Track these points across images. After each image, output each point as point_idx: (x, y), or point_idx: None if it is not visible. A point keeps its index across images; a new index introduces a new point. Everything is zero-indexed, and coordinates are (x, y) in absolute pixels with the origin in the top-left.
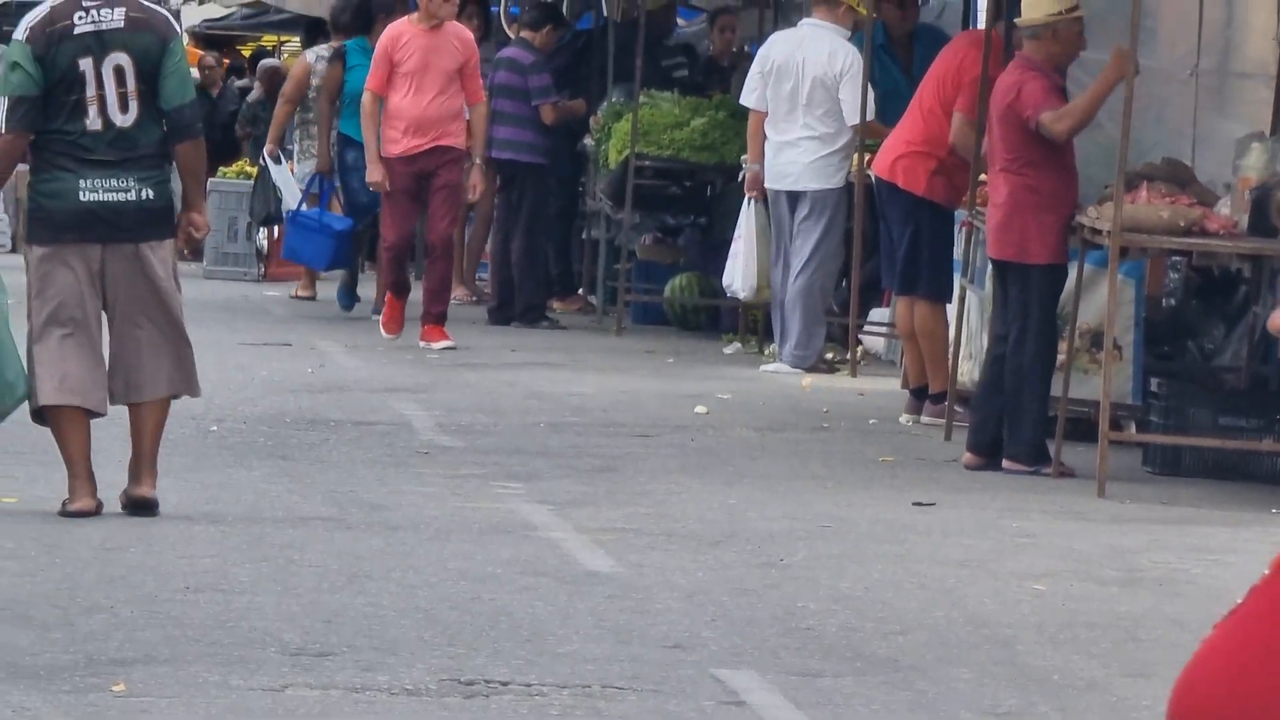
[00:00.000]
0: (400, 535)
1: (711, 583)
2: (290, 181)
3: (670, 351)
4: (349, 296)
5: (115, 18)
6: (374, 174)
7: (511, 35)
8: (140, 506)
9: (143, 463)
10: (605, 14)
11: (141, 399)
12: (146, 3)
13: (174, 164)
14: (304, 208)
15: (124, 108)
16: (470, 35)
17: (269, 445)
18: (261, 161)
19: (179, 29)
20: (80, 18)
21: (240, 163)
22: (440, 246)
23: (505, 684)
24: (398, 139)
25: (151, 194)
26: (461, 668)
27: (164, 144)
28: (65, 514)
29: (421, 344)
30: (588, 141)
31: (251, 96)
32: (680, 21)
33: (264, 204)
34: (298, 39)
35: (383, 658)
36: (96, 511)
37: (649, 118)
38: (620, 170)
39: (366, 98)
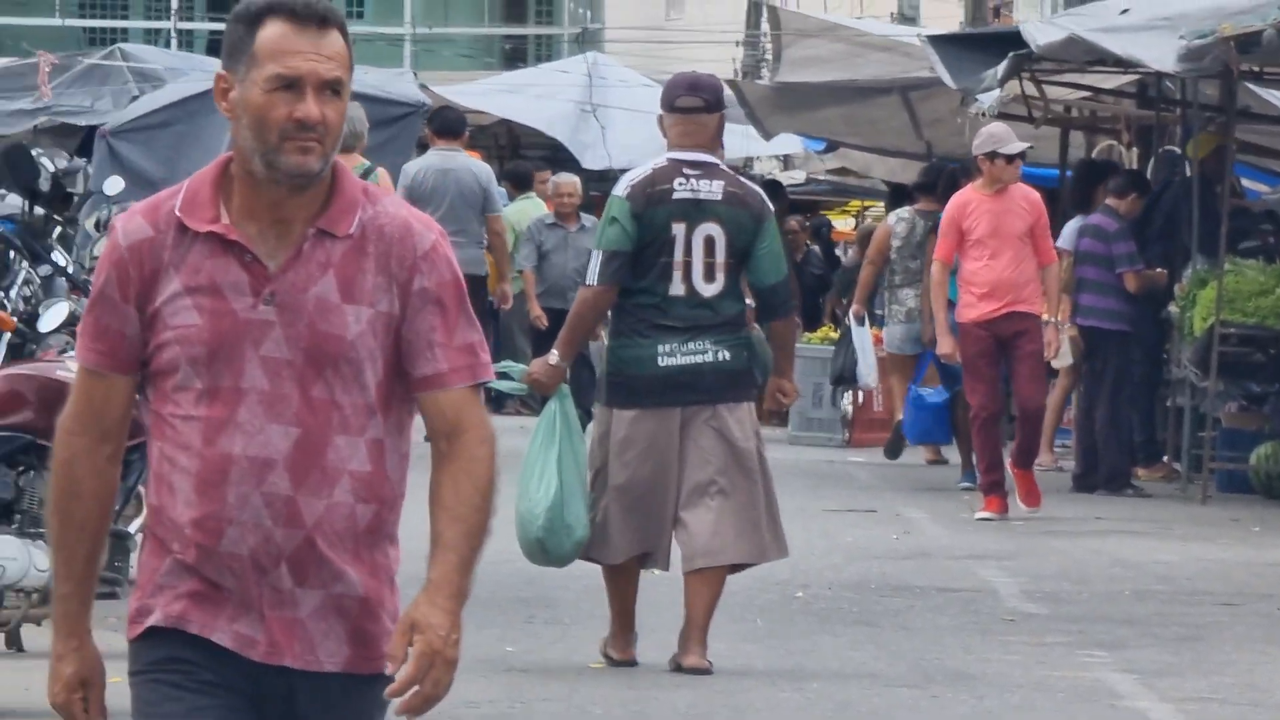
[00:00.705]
0: (985, 704)
1: None
2: (869, 350)
3: (1256, 520)
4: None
5: (714, 189)
6: (944, 346)
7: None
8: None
9: (694, 632)
10: (1189, 174)
11: (699, 567)
12: (745, 180)
13: (747, 330)
14: (920, 387)
15: (709, 277)
16: (1038, 197)
17: (854, 611)
18: (847, 322)
19: (772, 209)
20: (680, 183)
21: (825, 328)
22: (1032, 412)
23: None
24: (974, 303)
25: (728, 355)
26: None
27: (742, 315)
28: (606, 656)
29: (1020, 505)
30: (1172, 309)
31: (848, 261)
32: (1264, 188)
33: (841, 364)
34: (881, 204)
35: None
36: (631, 663)
37: (1234, 285)
38: (1205, 337)
39: (936, 268)
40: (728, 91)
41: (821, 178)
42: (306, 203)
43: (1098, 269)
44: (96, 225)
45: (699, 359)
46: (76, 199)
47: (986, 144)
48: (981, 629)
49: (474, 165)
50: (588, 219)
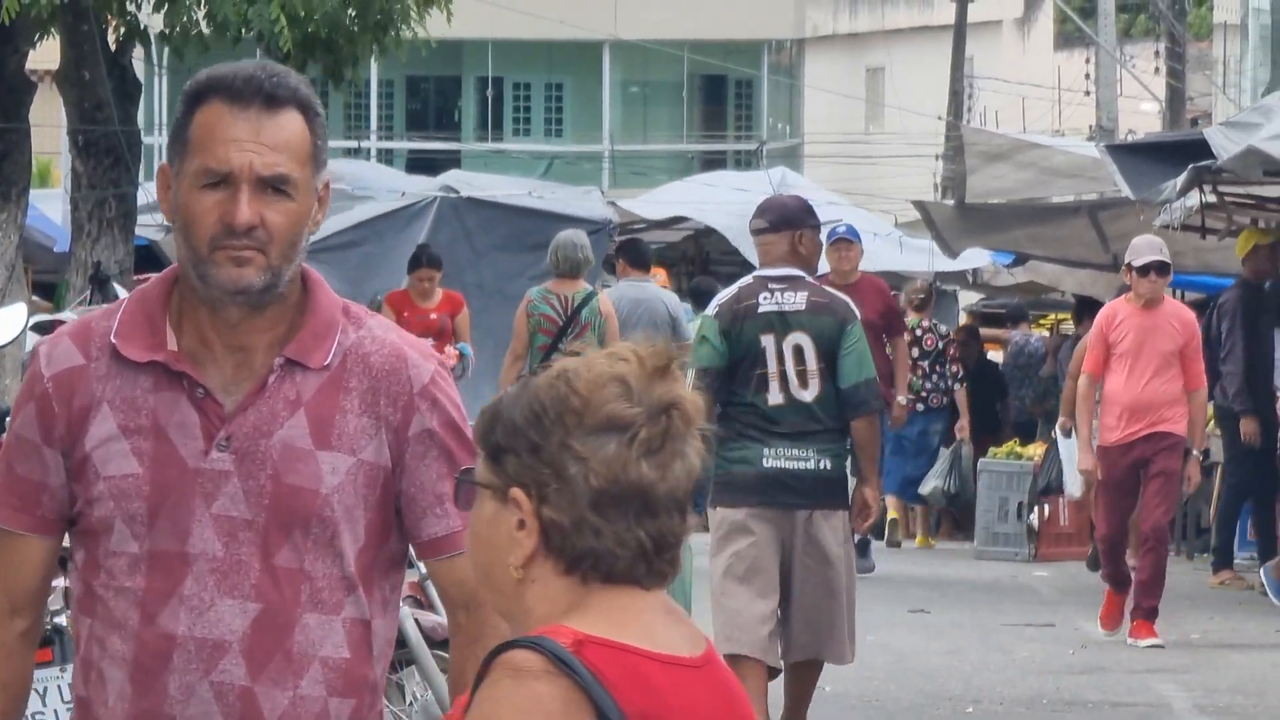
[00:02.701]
0: None
1: None
2: (1073, 462)
3: None
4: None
5: (798, 301)
6: (1084, 461)
7: None
8: None
9: (793, 715)
10: None
11: (794, 659)
12: (833, 291)
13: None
14: None
15: (804, 383)
16: (1191, 316)
17: None
18: (1054, 434)
19: (858, 314)
20: (765, 298)
21: (1010, 444)
22: (1155, 536)
23: None
24: (1113, 426)
25: (828, 465)
26: None
27: (839, 416)
28: None
29: (1129, 640)
30: None
31: (1043, 371)
32: None
33: (1045, 475)
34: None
35: None
36: None
37: None
38: None
39: (1082, 381)
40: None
41: (1004, 285)
42: (268, 325)
43: None
44: None
45: (801, 465)
46: None
47: (1127, 255)
48: None
49: (664, 295)
50: None
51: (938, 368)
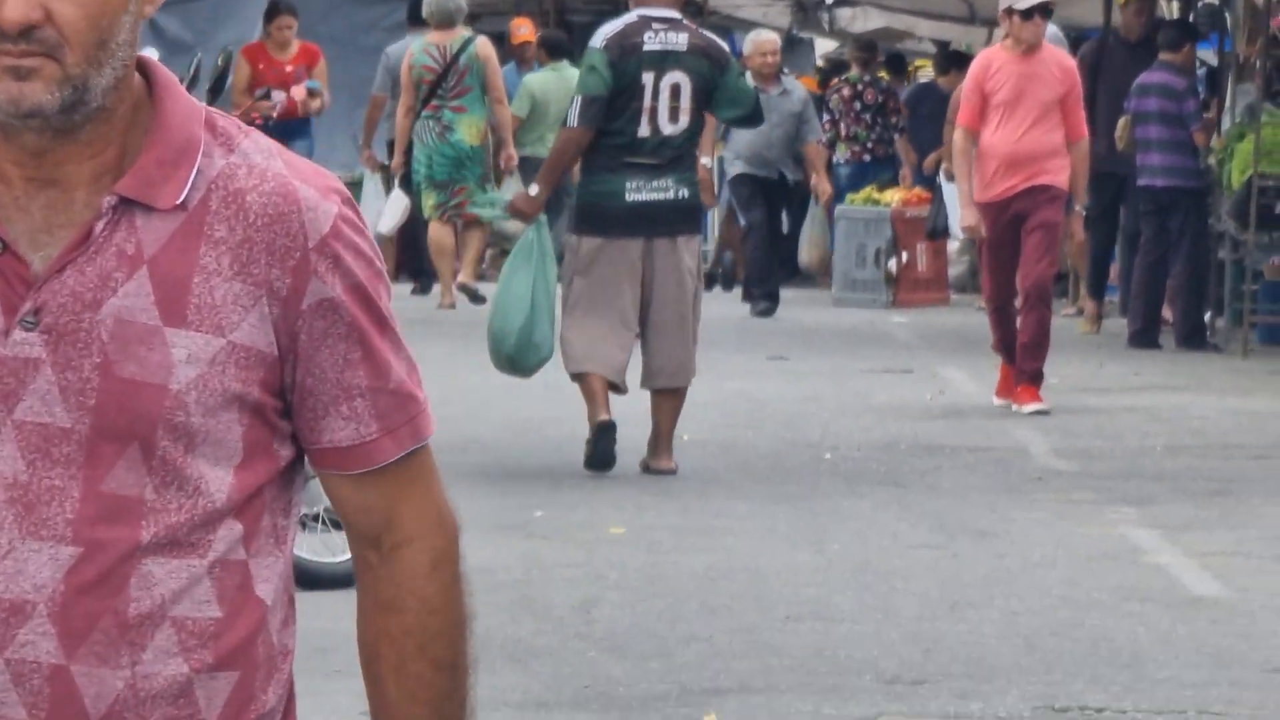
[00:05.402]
0: (1005, 562)
1: None
2: (953, 200)
3: None
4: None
5: (679, 41)
6: (967, 218)
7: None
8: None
9: (660, 440)
10: (1230, 27)
11: (659, 386)
12: (707, 33)
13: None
14: None
15: (674, 119)
16: (1072, 64)
17: (881, 472)
18: (939, 180)
19: (732, 59)
20: (650, 37)
21: (867, 190)
22: (1036, 293)
23: (1100, 710)
24: (991, 182)
25: (685, 193)
26: (1056, 694)
27: (694, 148)
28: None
29: (1011, 405)
30: (1211, 162)
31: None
32: None
33: (934, 219)
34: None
35: (977, 685)
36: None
37: (1272, 137)
38: (1244, 191)
39: (958, 135)
40: None
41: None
42: (90, 151)
43: (1168, 128)
44: None
45: (661, 195)
46: None
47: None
48: (1009, 488)
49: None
50: (790, 81)
51: (879, 120)
